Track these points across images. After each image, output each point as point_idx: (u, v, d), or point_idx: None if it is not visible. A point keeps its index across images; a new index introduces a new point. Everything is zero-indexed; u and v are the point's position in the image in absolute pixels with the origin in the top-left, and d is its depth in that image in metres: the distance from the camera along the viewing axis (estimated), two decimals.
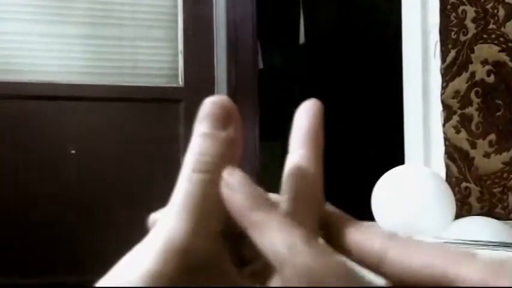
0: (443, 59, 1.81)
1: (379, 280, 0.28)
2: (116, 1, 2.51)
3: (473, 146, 1.72)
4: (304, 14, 3.36)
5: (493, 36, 1.68)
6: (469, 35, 1.74)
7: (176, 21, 2.54)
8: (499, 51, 1.67)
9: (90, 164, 2.40)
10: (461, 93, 1.75)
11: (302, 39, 3.35)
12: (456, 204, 1.52)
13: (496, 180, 1.67)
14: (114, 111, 2.45)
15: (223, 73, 2.57)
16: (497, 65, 1.67)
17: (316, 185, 0.31)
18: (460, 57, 1.76)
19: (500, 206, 1.66)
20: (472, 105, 1.73)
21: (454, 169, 1.76)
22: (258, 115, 2.63)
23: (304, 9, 3.37)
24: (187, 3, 2.53)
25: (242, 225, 0.29)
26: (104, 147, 2.43)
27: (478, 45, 1.71)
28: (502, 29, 1.67)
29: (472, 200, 1.72)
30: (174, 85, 2.53)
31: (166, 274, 0.28)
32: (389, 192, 1.47)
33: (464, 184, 1.74)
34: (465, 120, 1.74)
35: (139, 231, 0.33)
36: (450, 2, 1.79)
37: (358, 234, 0.29)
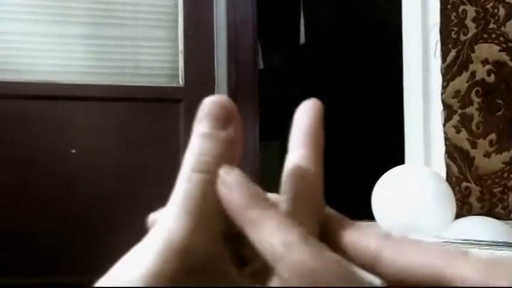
0: (443, 59, 1.80)
1: (378, 280, 0.28)
2: (116, 1, 2.51)
3: (474, 145, 1.72)
4: (305, 14, 3.36)
5: (493, 35, 1.68)
6: (470, 35, 1.74)
7: (177, 21, 2.55)
8: (499, 50, 1.67)
9: (90, 164, 2.40)
10: (462, 93, 1.75)
11: (302, 39, 3.35)
12: (456, 204, 1.52)
13: (497, 180, 1.67)
14: (115, 111, 2.45)
15: (224, 73, 2.57)
16: (498, 65, 1.67)
17: (316, 185, 0.31)
18: (461, 57, 1.76)
19: (500, 205, 1.66)
20: (472, 105, 1.73)
21: (455, 169, 1.76)
22: (258, 115, 2.63)
23: (305, 9, 3.37)
24: (187, 4, 2.53)
25: (239, 223, 0.29)
26: (104, 147, 2.43)
27: (479, 45, 1.71)
28: (502, 28, 1.66)
29: (473, 199, 1.71)
30: (175, 85, 2.53)
31: (166, 274, 0.28)
32: (389, 192, 1.47)
33: (464, 184, 1.73)
34: (465, 120, 1.74)
35: (139, 231, 0.33)
36: (450, 2, 1.79)
37: (353, 235, 0.29)
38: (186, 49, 2.52)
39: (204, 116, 0.30)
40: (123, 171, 2.43)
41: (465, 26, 1.75)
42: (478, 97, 1.71)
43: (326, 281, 0.26)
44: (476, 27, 1.72)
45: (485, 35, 1.70)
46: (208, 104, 0.30)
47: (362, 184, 1.64)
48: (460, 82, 1.76)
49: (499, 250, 1.22)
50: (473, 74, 1.72)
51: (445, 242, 1.30)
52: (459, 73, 1.76)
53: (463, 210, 1.70)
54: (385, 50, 2.77)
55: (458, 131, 1.76)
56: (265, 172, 2.36)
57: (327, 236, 0.30)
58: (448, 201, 1.47)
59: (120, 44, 2.50)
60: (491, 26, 1.69)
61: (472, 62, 1.73)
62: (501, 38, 1.67)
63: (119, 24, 2.50)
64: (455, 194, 1.57)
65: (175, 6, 2.55)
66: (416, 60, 1.89)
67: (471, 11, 1.73)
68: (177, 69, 2.54)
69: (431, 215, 1.43)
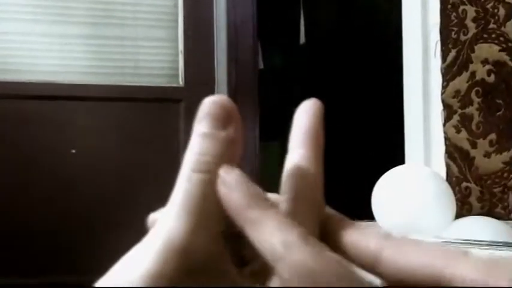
0: (443, 59, 1.80)
1: (377, 280, 0.28)
2: (116, 1, 2.51)
3: (474, 145, 1.72)
4: (305, 14, 3.36)
5: (493, 35, 1.68)
6: (470, 35, 1.74)
7: (177, 21, 2.55)
8: (499, 50, 1.67)
9: (90, 164, 2.40)
10: (462, 93, 1.75)
11: (302, 39, 3.35)
12: (456, 204, 1.52)
13: (497, 180, 1.67)
14: (115, 111, 2.45)
15: (224, 73, 2.57)
16: (498, 65, 1.67)
17: (316, 186, 0.31)
18: (461, 57, 1.76)
19: (500, 205, 1.66)
20: (472, 105, 1.73)
21: (455, 169, 1.76)
22: (258, 115, 2.63)
23: (305, 9, 3.37)
24: (187, 3, 2.53)
25: (239, 223, 0.29)
26: (104, 147, 2.43)
27: (479, 45, 1.71)
28: (502, 28, 1.66)
29: (473, 199, 1.71)
30: (175, 85, 2.53)
31: (165, 274, 0.28)
32: (389, 192, 1.47)
33: (464, 184, 1.73)
34: (465, 120, 1.74)
35: (139, 231, 0.33)
36: (450, 2, 1.79)
37: (353, 235, 0.29)
38: (186, 49, 2.52)
39: (204, 116, 0.30)
40: (123, 171, 2.43)
41: (465, 26, 1.75)
42: (478, 97, 1.71)
43: (326, 281, 0.26)
44: (476, 27, 1.72)
45: (485, 35, 1.70)
46: (208, 104, 0.30)
47: (362, 184, 1.64)
48: (460, 82, 1.76)
49: (499, 250, 1.22)
50: (473, 74, 1.72)
51: (445, 242, 1.30)
52: (459, 73, 1.76)
53: (463, 210, 1.70)
54: (385, 50, 2.77)
55: (458, 131, 1.76)
56: (265, 172, 2.36)
57: (327, 236, 0.30)
58: (448, 201, 1.47)
59: (120, 44, 2.49)
60: (491, 26, 1.69)
61: (472, 62, 1.73)
62: (501, 38, 1.67)
63: (119, 24, 2.50)
64: (455, 194, 1.57)
65: (175, 6, 2.55)
66: (416, 60, 1.89)
67: (471, 11, 1.73)
68: (177, 69, 2.54)
69: (432, 215, 1.43)
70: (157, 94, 2.51)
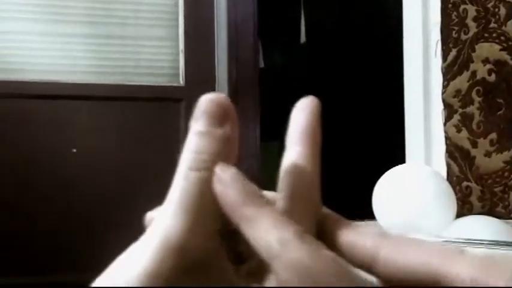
0: (444, 58, 1.80)
1: (374, 279, 0.28)
2: (117, 0, 2.51)
3: (474, 145, 1.72)
4: (305, 13, 3.36)
5: (494, 35, 1.68)
6: (470, 34, 1.73)
7: (177, 20, 2.54)
8: (500, 50, 1.67)
9: (90, 163, 2.40)
10: (463, 92, 1.75)
11: (303, 38, 3.34)
12: (457, 203, 1.52)
13: (497, 179, 1.66)
14: (115, 110, 2.45)
15: (224, 72, 2.56)
16: (498, 64, 1.67)
17: (313, 184, 0.31)
18: (461, 56, 1.76)
19: (501, 205, 1.66)
20: (473, 104, 1.72)
21: (455, 168, 1.76)
22: (259, 114, 2.63)
23: (305, 8, 3.37)
24: (188, 3, 2.53)
25: (234, 220, 0.28)
26: (104, 146, 2.43)
27: (479, 44, 1.71)
28: (503, 27, 1.66)
29: (473, 199, 1.71)
30: (175, 84, 2.53)
31: (163, 273, 0.28)
32: (390, 191, 1.47)
33: (465, 183, 1.73)
34: (466, 119, 1.74)
35: (138, 231, 0.33)
36: (451, 1, 1.78)
37: (350, 235, 0.29)
38: (186, 48, 2.52)
39: (200, 114, 0.30)
40: (123, 171, 2.43)
41: (466, 25, 1.74)
42: (479, 96, 1.71)
43: (326, 280, 0.26)
44: (477, 27, 1.72)
45: (486, 34, 1.70)
46: (205, 102, 0.30)
47: (362, 184, 1.63)
48: (461, 81, 1.75)
49: (500, 249, 1.22)
50: (473, 73, 1.72)
51: (446, 241, 1.30)
52: (460, 72, 1.76)
53: (463, 209, 1.69)
54: (386, 49, 2.76)
55: (458, 131, 1.75)
56: (265, 172, 2.35)
57: (323, 236, 0.30)
58: (448, 200, 1.47)
59: (120, 43, 2.49)
60: (492, 25, 1.68)
61: (472, 62, 1.72)
62: (502, 38, 1.66)
63: (119, 23, 2.49)
64: (455, 193, 1.57)
65: (176, 5, 2.55)
66: (416, 59, 1.89)
67: (472, 10, 1.73)
68: (177, 68, 2.54)
69: (432, 214, 1.43)
70: (157, 93, 2.51)
